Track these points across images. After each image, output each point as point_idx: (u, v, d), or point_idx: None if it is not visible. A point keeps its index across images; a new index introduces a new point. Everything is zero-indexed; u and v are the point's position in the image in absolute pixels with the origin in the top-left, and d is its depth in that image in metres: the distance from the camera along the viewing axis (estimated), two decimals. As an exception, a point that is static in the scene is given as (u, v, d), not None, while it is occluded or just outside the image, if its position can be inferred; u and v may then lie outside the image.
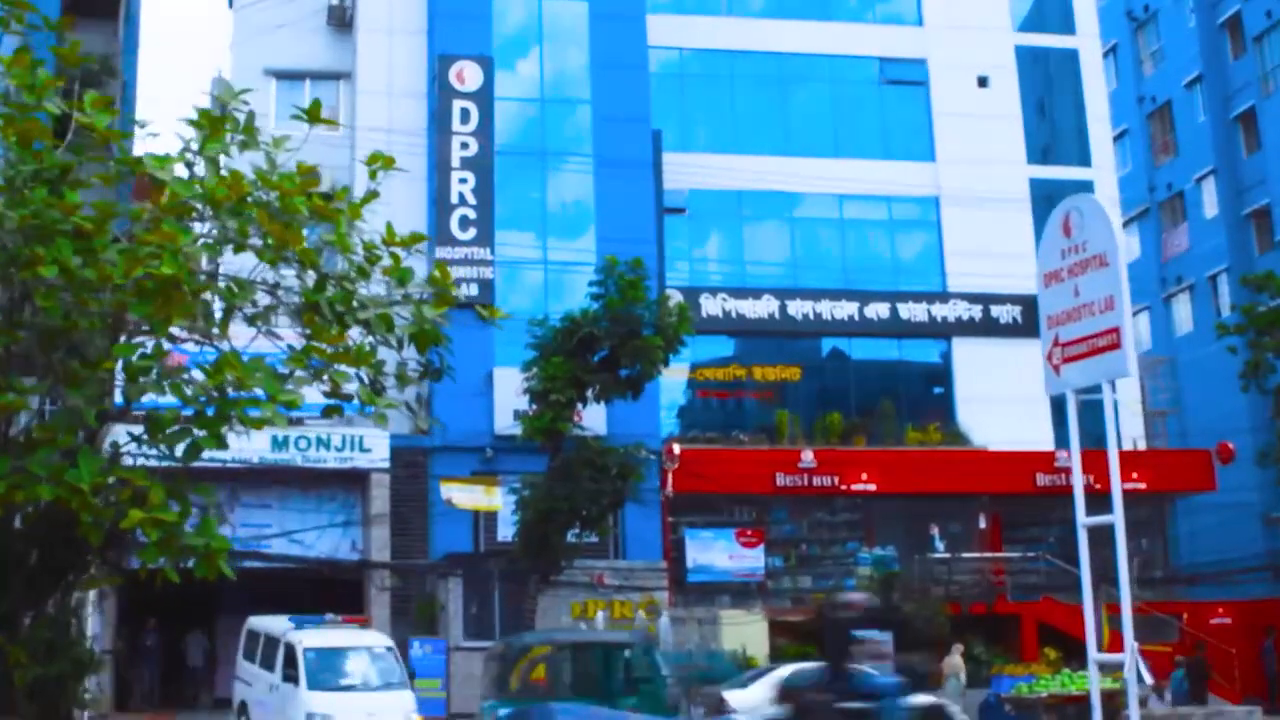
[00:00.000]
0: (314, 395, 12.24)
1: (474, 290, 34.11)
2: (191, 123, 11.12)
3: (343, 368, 12.19)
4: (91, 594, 28.64)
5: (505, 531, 31.41)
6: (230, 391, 10.81)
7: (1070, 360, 14.71)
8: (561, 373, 28.45)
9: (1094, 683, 14.73)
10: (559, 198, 35.73)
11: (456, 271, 33.98)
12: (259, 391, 10.67)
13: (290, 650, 24.85)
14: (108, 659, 30.67)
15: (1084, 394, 15.09)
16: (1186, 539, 43.50)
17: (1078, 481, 15.20)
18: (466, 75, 35.12)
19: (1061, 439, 37.64)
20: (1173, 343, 50.45)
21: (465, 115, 34.95)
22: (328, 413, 12.73)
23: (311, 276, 11.76)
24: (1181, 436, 45.05)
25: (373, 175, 13.33)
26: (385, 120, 35.40)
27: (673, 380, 37.15)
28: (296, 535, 32.56)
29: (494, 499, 30.29)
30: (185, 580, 31.89)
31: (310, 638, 25.25)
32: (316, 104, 11.78)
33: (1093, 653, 14.69)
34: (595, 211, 35.42)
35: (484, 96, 35.12)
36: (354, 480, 32.38)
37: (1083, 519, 15.12)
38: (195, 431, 10.73)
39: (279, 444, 31.50)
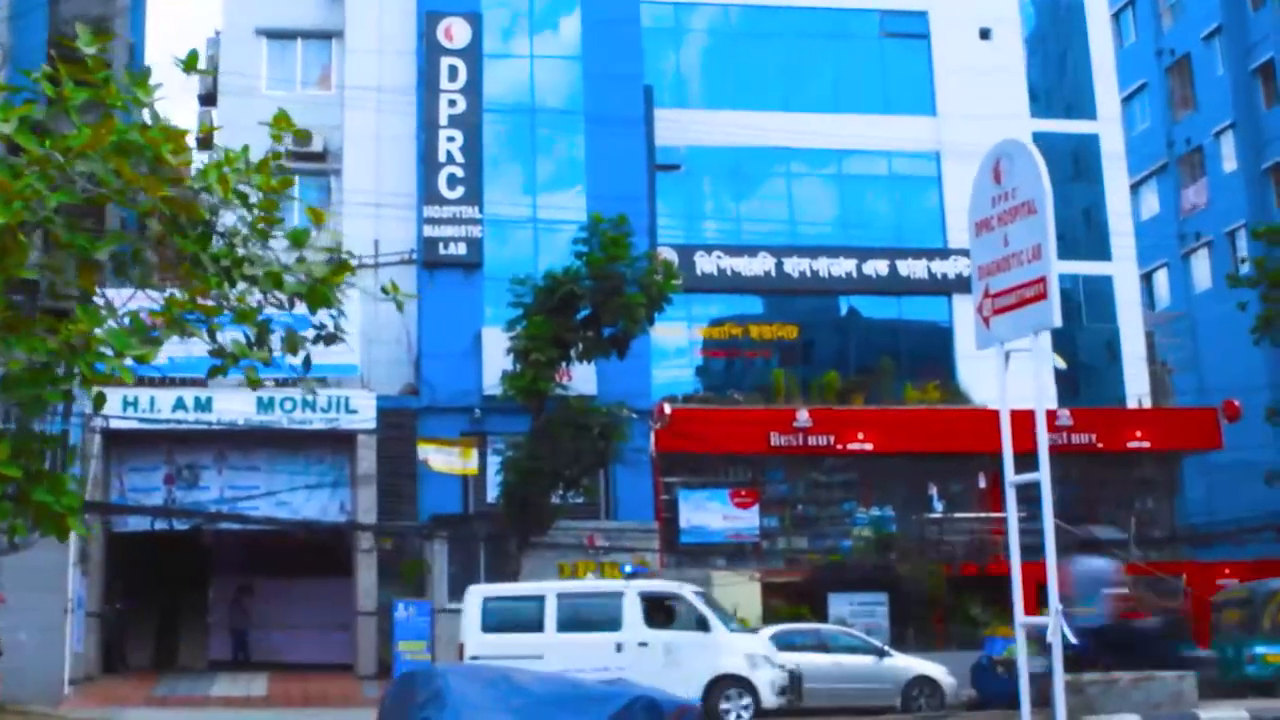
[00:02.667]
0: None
1: (462, 249, 33.78)
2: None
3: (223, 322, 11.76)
4: (71, 555, 28.65)
5: (495, 493, 31.17)
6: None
7: (1000, 312, 14.25)
8: (543, 331, 28.14)
9: (1021, 647, 14.24)
10: (549, 155, 35.32)
11: (444, 230, 33.75)
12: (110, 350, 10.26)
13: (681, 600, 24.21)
14: (94, 622, 30.71)
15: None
16: (1203, 498, 42.87)
17: (1006, 439, 14.83)
18: (455, 32, 34.66)
19: (1064, 397, 37.14)
20: (1191, 299, 49.66)
21: (453, 72, 34.51)
22: (212, 372, 12.32)
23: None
24: (1200, 394, 44.33)
25: (276, 137, 12.80)
26: (375, 79, 35.05)
27: (692, 339, 36.92)
28: (284, 498, 32.46)
29: (471, 462, 29.96)
30: (176, 544, 31.74)
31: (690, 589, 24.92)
32: (194, 55, 11.29)
33: (1019, 617, 14.25)
34: (585, 169, 34.95)
35: (472, 53, 34.65)
36: (342, 442, 32.14)
37: (1011, 477, 14.73)
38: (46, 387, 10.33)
39: (264, 405, 31.36)
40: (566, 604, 23.99)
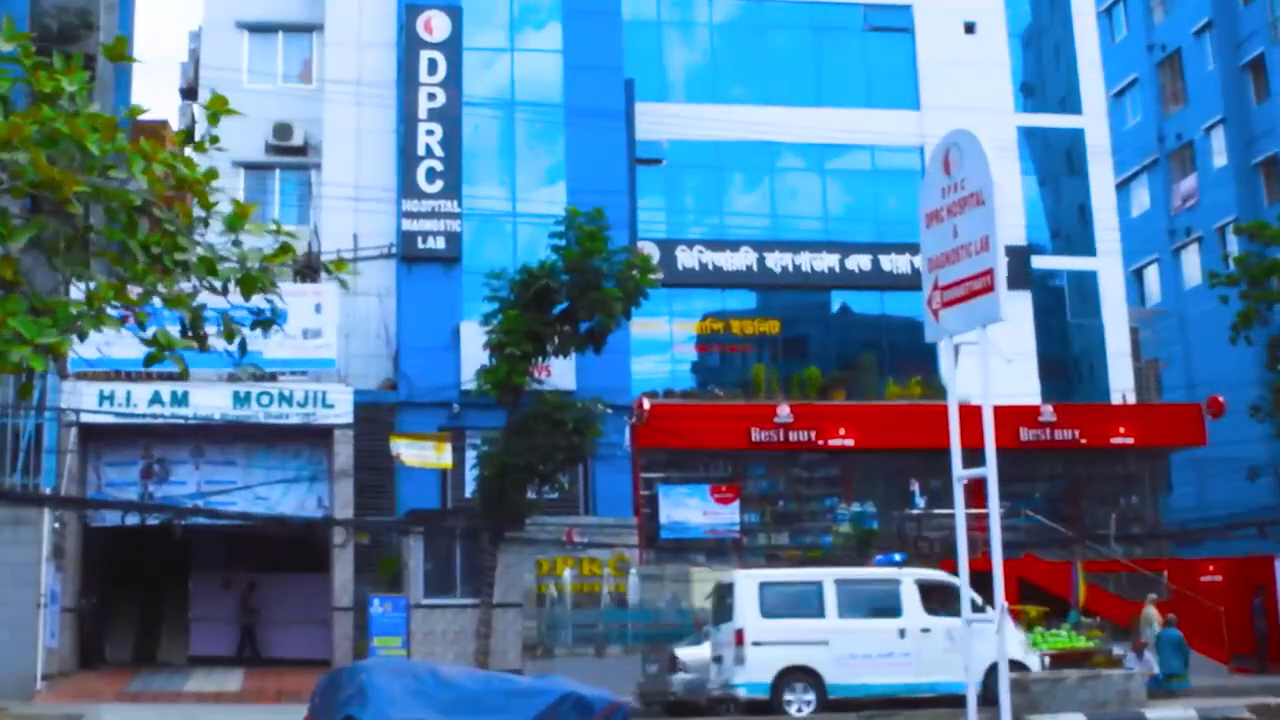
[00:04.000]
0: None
1: (440, 243, 33.64)
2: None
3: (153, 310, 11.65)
4: (45, 550, 28.57)
5: (473, 489, 31.04)
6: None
7: (949, 305, 14.09)
8: (518, 326, 28.06)
9: (967, 646, 14.09)
10: (529, 149, 35.13)
11: (423, 224, 33.62)
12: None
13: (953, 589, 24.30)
14: (70, 617, 30.60)
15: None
16: (1193, 494, 42.73)
17: (954, 434, 14.67)
18: (434, 25, 34.49)
19: (1048, 393, 36.99)
20: (1182, 295, 49.45)
21: (433, 66, 34.33)
22: (148, 360, 12.20)
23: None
24: (1189, 389, 44.15)
25: (212, 120, 12.66)
26: (356, 72, 34.93)
27: (673, 334, 36.77)
28: (261, 493, 32.34)
29: (445, 456, 29.80)
30: (156, 539, 31.65)
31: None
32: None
33: (966, 614, 14.11)
34: (566, 163, 34.78)
35: (452, 46, 34.47)
36: (319, 436, 32.01)
37: (958, 472, 14.58)
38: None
39: (240, 400, 31.26)
40: (845, 590, 24.00)
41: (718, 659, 23.94)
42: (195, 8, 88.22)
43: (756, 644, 22.93)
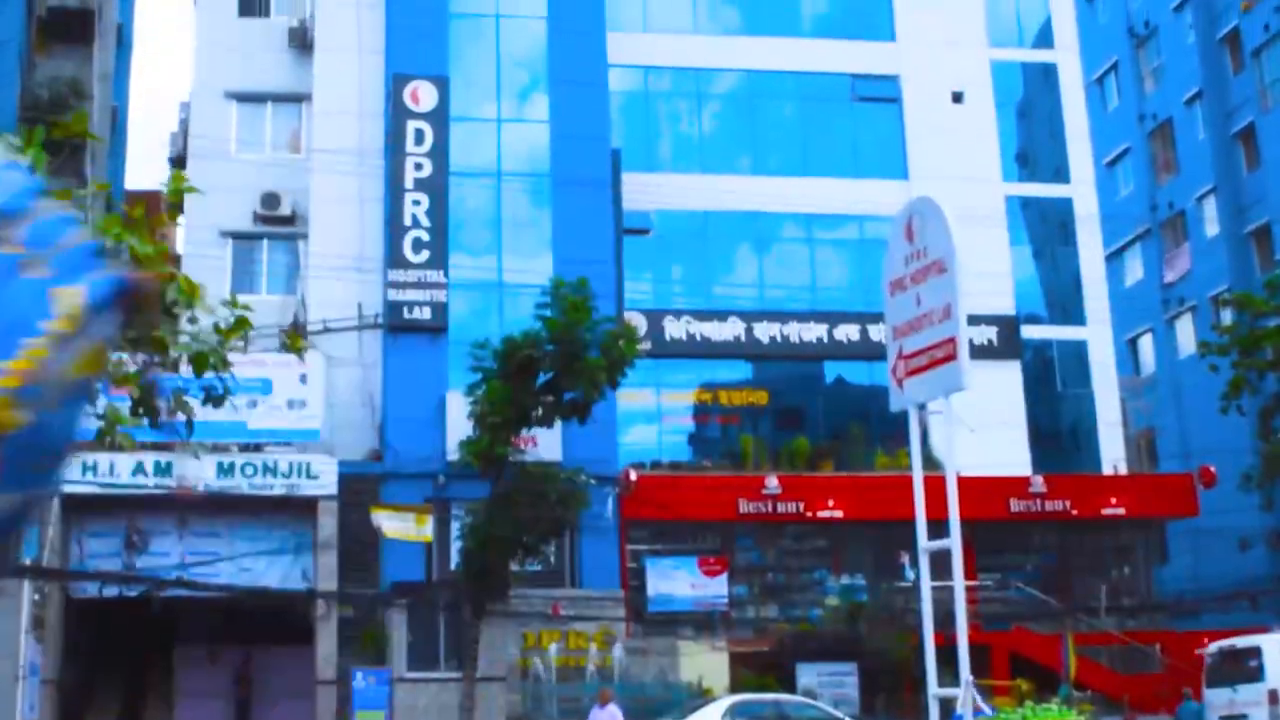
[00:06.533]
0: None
1: (426, 314, 33.53)
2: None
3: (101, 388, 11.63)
4: (24, 622, 28.31)
5: (457, 560, 30.78)
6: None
7: (913, 373, 13.92)
8: (502, 396, 27.90)
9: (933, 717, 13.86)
10: (515, 218, 35.09)
11: (409, 294, 33.55)
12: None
13: None
14: (50, 689, 30.25)
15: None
16: (1189, 564, 42.33)
17: (919, 503, 14.45)
18: (421, 95, 34.57)
19: (1039, 463, 36.75)
20: (1176, 365, 49.26)
21: (420, 136, 34.38)
22: (98, 436, 12.17)
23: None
24: (1184, 459, 43.91)
25: (173, 197, 12.69)
26: (343, 142, 34.94)
27: (681, 404, 36.63)
28: (245, 564, 32.09)
29: (426, 528, 29.59)
30: (139, 611, 31.35)
31: None
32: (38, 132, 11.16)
33: (932, 689, 13.87)
34: (553, 232, 34.75)
35: (439, 116, 34.54)
36: (304, 508, 31.76)
37: (923, 544, 14.36)
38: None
39: (225, 470, 31.13)
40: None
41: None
42: (183, 77, 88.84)
43: None
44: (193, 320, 11.77)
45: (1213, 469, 35.36)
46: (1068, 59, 40.53)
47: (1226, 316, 43.79)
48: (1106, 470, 37.50)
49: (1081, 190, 39.64)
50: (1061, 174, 40.39)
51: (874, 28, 39.35)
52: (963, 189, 36.29)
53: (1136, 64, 53.03)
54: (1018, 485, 34.94)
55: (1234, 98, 47.96)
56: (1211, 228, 48.20)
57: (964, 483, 34.69)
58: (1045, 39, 40.90)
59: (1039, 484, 35.25)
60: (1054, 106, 40.63)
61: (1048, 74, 40.95)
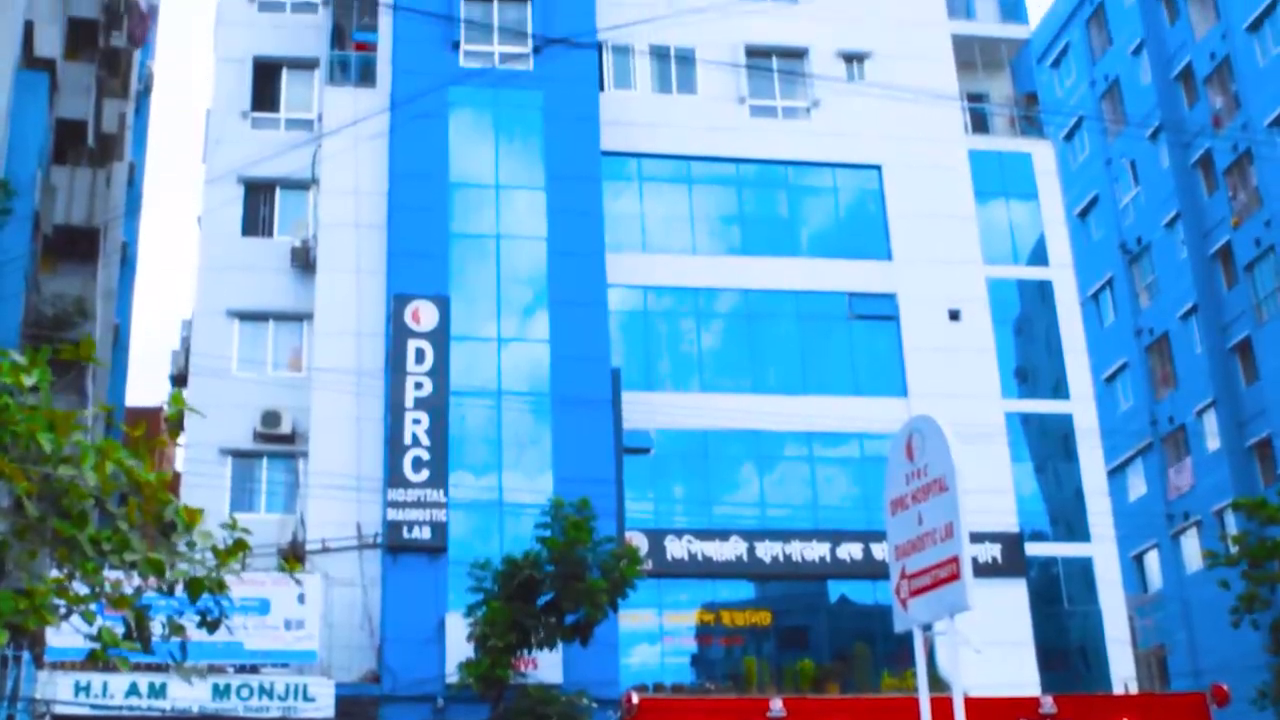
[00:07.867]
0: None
1: (426, 533, 33.24)
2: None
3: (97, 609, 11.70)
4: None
5: (462, 785, 30.15)
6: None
7: (917, 593, 13.69)
8: (502, 618, 27.78)
9: None
10: (516, 437, 35.05)
11: (409, 514, 33.36)
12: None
13: None
14: None
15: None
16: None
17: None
18: (422, 314, 34.85)
19: (1048, 683, 36.08)
20: (1184, 581, 48.83)
21: (420, 355, 34.54)
22: (90, 656, 12.05)
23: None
24: (1195, 676, 43.25)
25: (173, 417, 12.82)
26: (344, 361, 35.08)
27: (683, 624, 36.15)
28: (241, 791, 31.33)
29: (421, 754, 29.00)
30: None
31: None
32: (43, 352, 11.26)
33: None
34: (553, 451, 34.67)
35: (440, 336, 34.76)
36: (300, 732, 31.14)
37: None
38: None
39: (220, 692, 30.61)
40: None
41: None
42: (189, 294, 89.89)
43: None
44: (190, 545, 11.80)
45: (1226, 687, 34.66)
46: (1063, 276, 40.84)
47: (1230, 525, 43.58)
48: (1117, 689, 36.75)
49: (1081, 406, 39.60)
50: (1060, 390, 40.41)
51: (870, 247, 39.78)
52: (962, 406, 36.44)
53: (1131, 280, 53.64)
54: (1028, 706, 34.16)
55: (1229, 312, 48.41)
56: (1213, 441, 48.22)
57: (972, 704, 34.07)
58: (1040, 256, 41.27)
59: (1049, 704, 34.43)
60: (1051, 323, 40.82)
61: (1044, 290, 41.24)
